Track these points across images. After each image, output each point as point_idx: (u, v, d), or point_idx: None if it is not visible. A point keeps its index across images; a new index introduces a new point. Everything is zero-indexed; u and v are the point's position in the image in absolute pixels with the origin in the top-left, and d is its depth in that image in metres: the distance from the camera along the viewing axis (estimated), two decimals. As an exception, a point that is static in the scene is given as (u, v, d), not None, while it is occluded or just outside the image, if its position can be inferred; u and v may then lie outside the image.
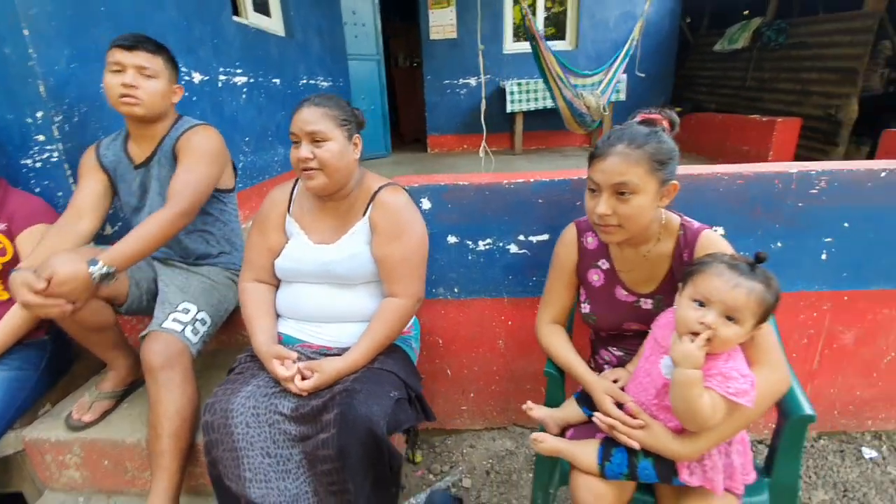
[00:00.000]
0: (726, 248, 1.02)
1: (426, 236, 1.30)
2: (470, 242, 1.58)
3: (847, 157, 3.83)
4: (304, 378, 1.14)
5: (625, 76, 4.84)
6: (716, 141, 4.43)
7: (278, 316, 1.33)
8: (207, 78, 2.53)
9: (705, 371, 0.85)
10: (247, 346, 1.30)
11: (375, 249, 1.23)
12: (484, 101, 2.78)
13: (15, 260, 1.40)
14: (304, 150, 1.14)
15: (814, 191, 1.45)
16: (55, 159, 1.55)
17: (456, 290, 1.65)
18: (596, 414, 1.01)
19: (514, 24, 5.77)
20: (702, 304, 0.86)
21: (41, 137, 1.52)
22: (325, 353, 1.24)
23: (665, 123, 1.02)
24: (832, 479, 1.58)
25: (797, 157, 3.92)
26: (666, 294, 1.08)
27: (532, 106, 5.26)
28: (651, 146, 0.94)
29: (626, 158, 0.94)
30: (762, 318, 0.86)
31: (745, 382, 0.84)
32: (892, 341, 1.62)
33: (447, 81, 5.82)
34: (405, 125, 7.74)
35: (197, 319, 1.37)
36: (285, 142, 3.39)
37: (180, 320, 1.33)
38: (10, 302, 1.39)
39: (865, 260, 1.52)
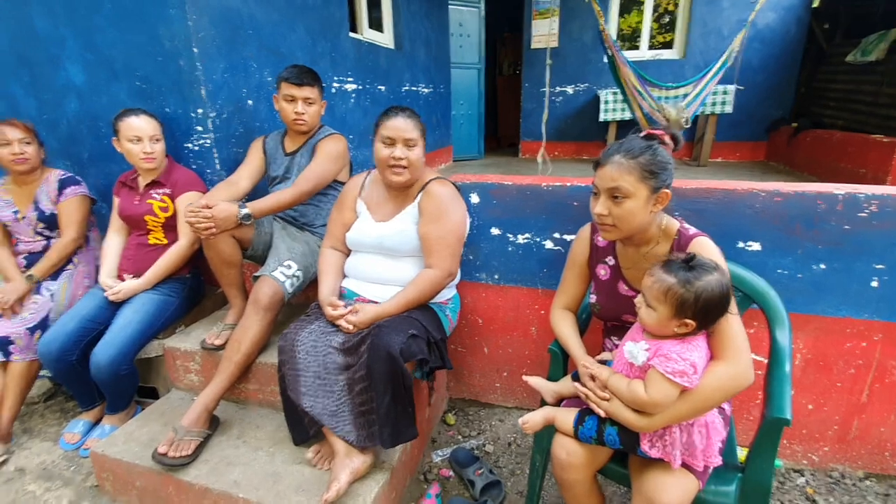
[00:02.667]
0: (716, 254, 1.11)
1: (464, 224, 1.55)
2: (510, 235, 1.79)
3: None
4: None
5: (732, 87, 4.56)
6: (831, 161, 3.96)
7: (345, 276, 1.67)
8: (324, 85, 3.02)
9: (655, 351, 0.99)
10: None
11: (420, 228, 1.51)
12: (546, 111, 2.94)
13: (174, 216, 1.93)
14: (399, 152, 1.47)
15: (863, 214, 1.41)
16: (207, 145, 2.07)
17: (496, 276, 1.87)
18: (575, 383, 1.18)
19: (620, 32, 5.71)
20: None
21: (200, 128, 2.05)
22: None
23: (667, 139, 1.15)
24: (865, 518, 1.51)
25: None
26: None
27: (628, 115, 5.18)
28: (644, 158, 1.08)
29: (619, 167, 1.09)
30: (675, 309, 0.97)
31: (682, 365, 0.96)
32: (957, 385, 1.49)
33: (544, 89, 5.94)
34: (504, 130, 8.01)
35: (295, 275, 1.77)
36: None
37: (284, 273, 1.73)
38: (168, 245, 1.92)
39: (925, 292, 1.43)
